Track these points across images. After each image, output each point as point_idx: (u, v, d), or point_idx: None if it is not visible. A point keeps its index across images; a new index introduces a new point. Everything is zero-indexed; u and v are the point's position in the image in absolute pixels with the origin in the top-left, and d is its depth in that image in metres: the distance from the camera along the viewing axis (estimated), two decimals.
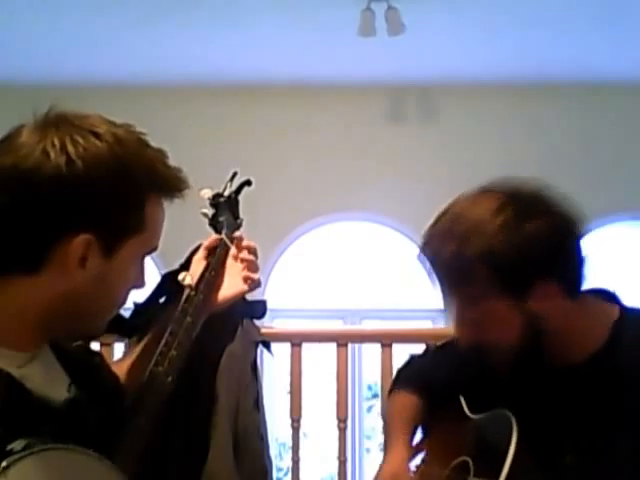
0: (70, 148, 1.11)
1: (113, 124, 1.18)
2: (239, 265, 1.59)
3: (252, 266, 1.59)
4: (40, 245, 1.13)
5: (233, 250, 1.62)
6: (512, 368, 1.56)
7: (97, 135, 1.14)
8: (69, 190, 1.11)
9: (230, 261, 1.60)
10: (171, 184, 1.20)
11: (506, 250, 1.37)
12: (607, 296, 1.57)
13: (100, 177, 1.12)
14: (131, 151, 1.16)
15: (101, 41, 5.22)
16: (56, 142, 1.12)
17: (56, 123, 1.15)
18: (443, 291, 1.48)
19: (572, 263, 1.44)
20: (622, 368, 1.47)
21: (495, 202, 1.41)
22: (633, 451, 1.42)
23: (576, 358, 1.50)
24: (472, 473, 1.57)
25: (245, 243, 1.62)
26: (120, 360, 1.60)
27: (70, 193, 1.11)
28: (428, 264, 1.47)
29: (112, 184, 1.13)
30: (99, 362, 1.40)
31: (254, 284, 1.59)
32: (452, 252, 1.40)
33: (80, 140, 1.12)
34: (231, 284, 1.58)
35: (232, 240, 1.64)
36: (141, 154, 1.17)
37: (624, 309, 1.54)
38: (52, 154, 1.11)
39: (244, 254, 1.60)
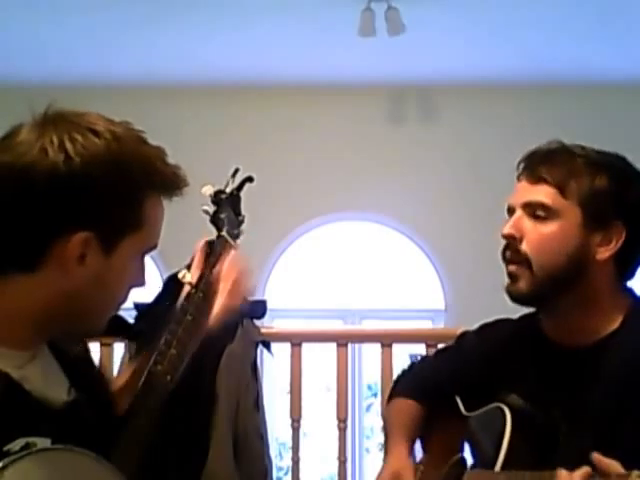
0: (68, 145, 1.11)
1: (111, 122, 1.18)
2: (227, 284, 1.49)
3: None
4: (38, 243, 1.13)
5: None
6: (514, 343, 1.62)
7: (95, 133, 1.14)
8: (66, 187, 1.11)
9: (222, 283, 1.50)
10: (169, 182, 1.19)
11: (612, 186, 1.52)
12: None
13: (98, 174, 1.12)
14: (129, 149, 1.15)
15: (101, 41, 5.22)
16: (54, 139, 1.11)
17: (54, 121, 1.15)
18: (532, 170, 1.54)
19: None
20: (627, 356, 1.49)
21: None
22: (633, 443, 1.43)
23: (585, 339, 1.54)
24: (469, 467, 1.59)
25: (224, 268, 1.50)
26: (120, 375, 1.59)
27: (67, 190, 1.11)
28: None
29: (110, 182, 1.13)
30: (98, 373, 1.40)
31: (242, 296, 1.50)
32: (580, 156, 1.54)
33: (78, 138, 1.12)
34: (219, 304, 1.48)
35: (234, 237, 1.62)
36: (139, 152, 1.17)
37: (636, 298, 1.59)
38: (50, 151, 1.11)
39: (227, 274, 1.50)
